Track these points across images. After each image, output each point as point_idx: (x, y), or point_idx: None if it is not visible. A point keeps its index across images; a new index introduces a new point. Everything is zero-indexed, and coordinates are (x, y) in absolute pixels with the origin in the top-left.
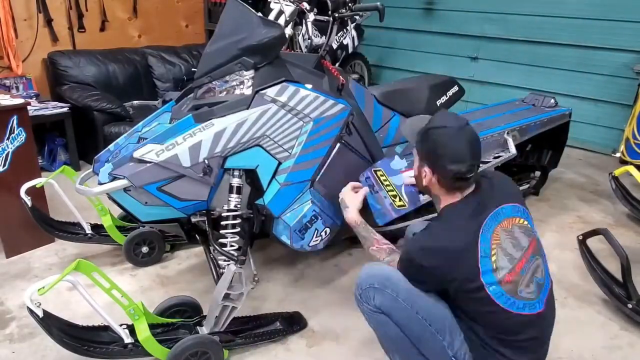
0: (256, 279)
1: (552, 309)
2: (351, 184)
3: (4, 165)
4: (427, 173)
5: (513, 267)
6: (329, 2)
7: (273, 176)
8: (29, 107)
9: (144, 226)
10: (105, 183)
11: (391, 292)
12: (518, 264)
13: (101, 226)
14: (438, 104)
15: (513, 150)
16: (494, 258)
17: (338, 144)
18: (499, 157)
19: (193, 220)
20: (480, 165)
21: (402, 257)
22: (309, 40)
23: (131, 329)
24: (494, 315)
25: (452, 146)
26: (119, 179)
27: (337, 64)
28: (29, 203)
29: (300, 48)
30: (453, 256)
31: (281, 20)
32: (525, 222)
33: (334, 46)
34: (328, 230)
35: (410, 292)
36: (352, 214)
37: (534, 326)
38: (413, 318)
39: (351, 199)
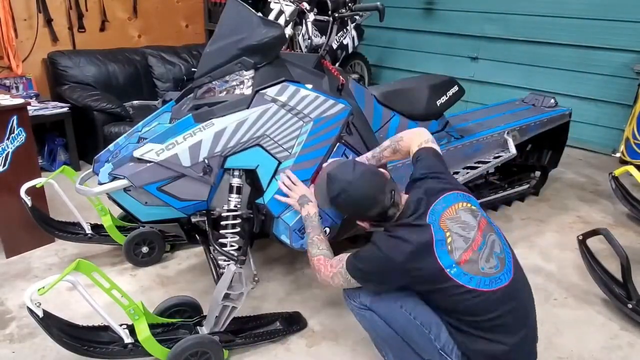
0: (256, 279)
1: (522, 274)
2: (292, 177)
3: (4, 165)
4: (363, 224)
5: (469, 246)
6: (329, 2)
7: (273, 176)
8: (29, 107)
9: (144, 226)
10: (105, 183)
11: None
12: (474, 242)
13: (101, 226)
14: (438, 104)
15: (513, 150)
16: (449, 240)
17: (338, 144)
18: (499, 157)
19: (193, 220)
20: (478, 166)
21: (367, 249)
22: (309, 40)
23: (131, 329)
24: (462, 297)
25: (357, 201)
26: (119, 179)
27: (337, 64)
28: (29, 203)
29: (300, 48)
30: (415, 248)
31: (281, 20)
32: (469, 204)
33: (334, 46)
34: (327, 229)
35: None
36: (315, 207)
37: (508, 298)
38: (397, 312)
39: (310, 193)
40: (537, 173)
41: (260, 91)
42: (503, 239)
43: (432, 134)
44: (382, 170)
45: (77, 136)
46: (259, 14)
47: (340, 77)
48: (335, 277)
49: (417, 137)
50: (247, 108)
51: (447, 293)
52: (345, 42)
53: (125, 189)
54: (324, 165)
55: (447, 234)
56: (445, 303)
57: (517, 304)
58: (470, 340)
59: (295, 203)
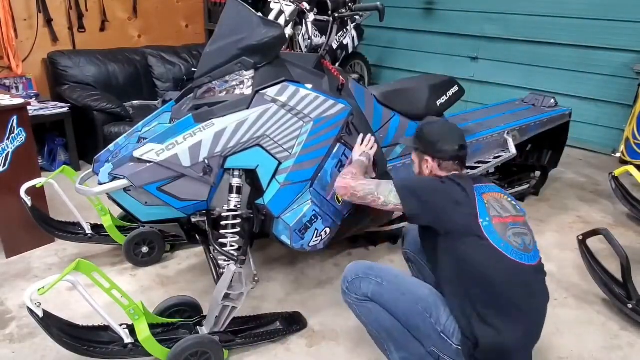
0: (256, 279)
1: (544, 278)
2: (372, 141)
3: (4, 165)
4: (429, 162)
5: (501, 216)
6: (329, 2)
7: (273, 176)
8: (29, 107)
9: (144, 226)
10: (105, 183)
11: (375, 278)
12: (506, 217)
13: (101, 226)
14: (438, 104)
15: (513, 150)
16: (487, 205)
17: (338, 144)
18: (499, 157)
19: (193, 220)
20: (478, 166)
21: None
22: (309, 40)
23: (131, 329)
24: (485, 252)
25: (443, 134)
26: (119, 179)
27: (337, 64)
28: (29, 203)
29: (300, 48)
30: (464, 192)
31: (281, 20)
32: (513, 202)
33: (334, 46)
34: (328, 230)
35: (394, 276)
36: (367, 163)
37: (524, 281)
38: (399, 299)
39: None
40: (537, 173)
41: (260, 91)
42: (536, 243)
43: None
44: None
45: (77, 136)
46: (259, 14)
47: (340, 77)
48: (368, 185)
49: None
50: (247, 108)
51: (472, 238)
52: (345, 42)
53: (125, 189)
54: None
55: (487, 202)
56: (465, 250)
57: (530, 295)
58: (473, 320)
59: (358, 150)
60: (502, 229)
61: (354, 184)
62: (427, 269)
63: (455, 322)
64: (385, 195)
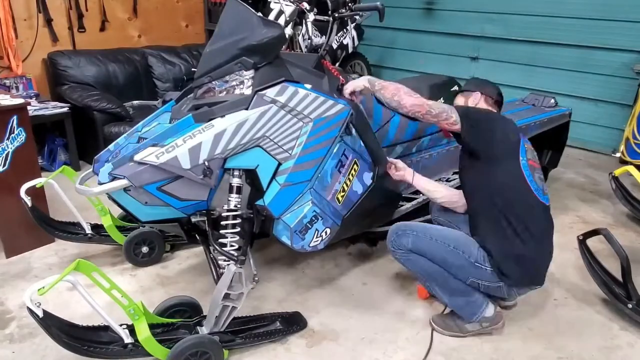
0: (256, 279)
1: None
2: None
3: (4, 165)
4: (477, 97)
5: (534, 160)
6: (329, 2)
7: (273, 177)
8: (29, 107)
9: (144, 226)
10: (105, 183)
11: (411, 232)
12: (536, 163)
13: (101, 226)
14: None
15: None
16: (526, 148)
17: (338, 144)
18: None
19: (193, 220)
20: None
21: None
22: (309, 40)
23: (131, 329)
24: (518, 182)
25: (488, 82)
26: (119, 178)
27: (337, 64)
28: (29, 203)
29: (300, 48)
30: (512, 127)
31: (281, 20)
32: (542, 174)
33: (334, 46)
34: (328, 230)
35: (425, 227)
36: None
37: (544, 215)
38: (432, 244)
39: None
40: None
41: (260, 92)
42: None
43: (433, 133)
44: None
45: (77, 136)
46: (259, 14)
47: (340, 77)
48: (441, 105)
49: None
50: (247, 109)
51: (509, 173)
52: (345, 42)
53: (125, 189)
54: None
55: (526, 146)
56: (503, 180)
57: (547, 224)
58: (501, 239)
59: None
60: (532, 170)
61: (430, 102)
62: (454, 226)
63: (483, 251)
64: (455, 115)
